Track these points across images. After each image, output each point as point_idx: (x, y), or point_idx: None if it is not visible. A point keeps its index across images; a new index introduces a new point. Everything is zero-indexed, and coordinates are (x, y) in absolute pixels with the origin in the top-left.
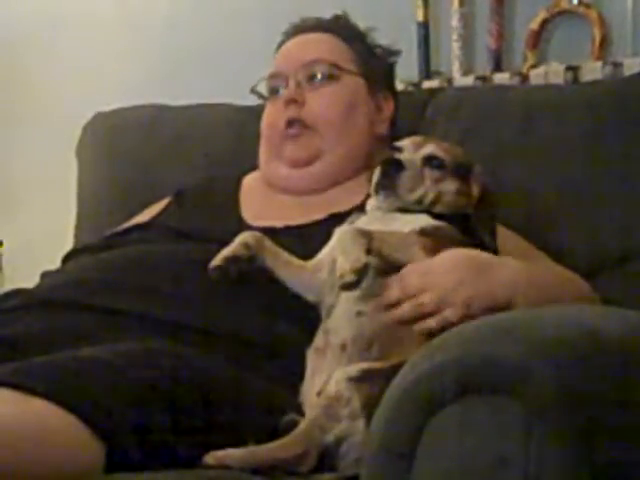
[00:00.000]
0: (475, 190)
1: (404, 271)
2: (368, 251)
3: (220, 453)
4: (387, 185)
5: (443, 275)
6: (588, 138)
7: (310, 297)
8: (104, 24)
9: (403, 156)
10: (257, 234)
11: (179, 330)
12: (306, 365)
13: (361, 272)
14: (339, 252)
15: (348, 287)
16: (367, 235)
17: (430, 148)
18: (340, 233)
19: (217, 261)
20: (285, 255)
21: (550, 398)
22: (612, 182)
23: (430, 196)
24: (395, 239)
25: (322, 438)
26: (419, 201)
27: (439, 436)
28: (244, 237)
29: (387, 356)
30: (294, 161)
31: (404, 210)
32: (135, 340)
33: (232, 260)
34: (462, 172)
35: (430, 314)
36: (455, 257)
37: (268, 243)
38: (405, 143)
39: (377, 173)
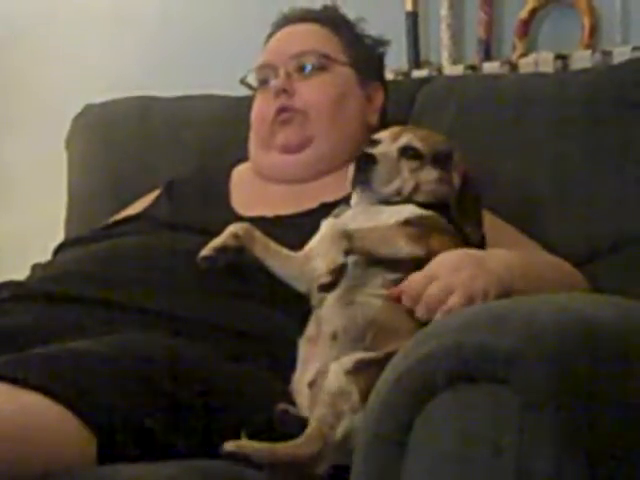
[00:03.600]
0: (456, 178)
1: (412, 286)
2: (348, 251)
3: (242, 442)
4: (362, 180)
5: (454, 274)
6: (580, 126)
7: (300, 287)
8: (95, 16)
9: (378, 149)
10: (246, 225)
11: (172, 322)
12: (297, 354)
13: (337, 273)
14: (319, 254)
15: (325, 288)
16: (347, 235)
17: (406, 138)
18: (321, 235)
19: (206, 251)
20: (274, 246)
21: (544, 386)
22: (605, 170)
23: (408, 187)
24: (377, 234)
25: (332, 436)
26: (397, 192)
27: (432, 424)
28: (233, 228)
29: (380, 345)
30: (285, 146)
31: (388, 202)
32: (128, 332)
33: (221, 250)
34: (441, 160)
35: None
36: (456, 257)
37: (257, 234)
38: (383, 135)
39: (351, 169)
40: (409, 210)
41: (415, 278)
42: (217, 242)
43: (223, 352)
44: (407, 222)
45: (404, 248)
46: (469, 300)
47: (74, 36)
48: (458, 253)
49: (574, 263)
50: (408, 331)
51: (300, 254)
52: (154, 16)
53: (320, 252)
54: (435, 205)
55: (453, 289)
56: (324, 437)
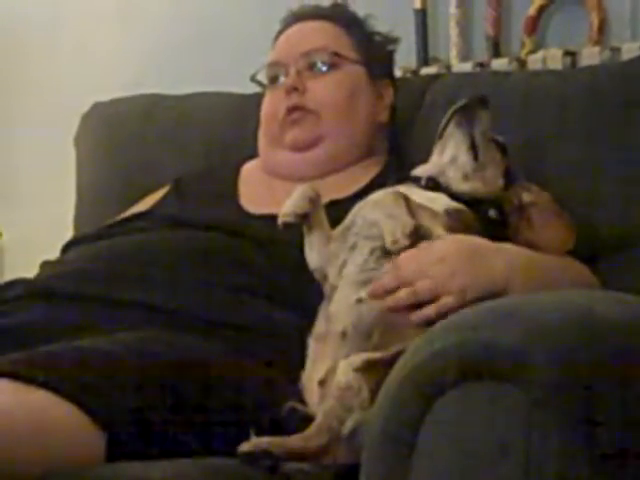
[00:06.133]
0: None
1: (400, 258)
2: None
3: (255, 439)
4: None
5: (438, 262)
6: (588, 123)
7: (315, 264)
8: (103, 14)
9: None
10: (314, 186)
11: (178, 318)
12: (307, 352)
13: (413, 236)
14: (383, 216)
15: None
16: (405, 198)
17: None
18: (377, 196)
19: (288, 217)
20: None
21: (551, 384)
22: (612, 167)
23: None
24: (427, 214)
25: (340, 429)
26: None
27: (440, 422)
28: (305, 191)
29: (387, 344)
30: (295, 144)
31: (428, 187)
32: (135, 329)
33: (302, 216)
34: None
35: (426, 302)
36: (450, 243)
37: (320, 201)
38: None
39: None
40: (446, 201)
41: (403, 255)
42: (295, 207)
43: (225, 348)
44: (447, 213)
45: (440, 235)
46: (438, 292)
47: (82, 34)
48: (456, 240)
49: (580, 260)
50: (415, 329)
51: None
52: (162, 14)
53: (384, 214)
54: (461, 200)
55: (426, 276)
56: (332, 430)
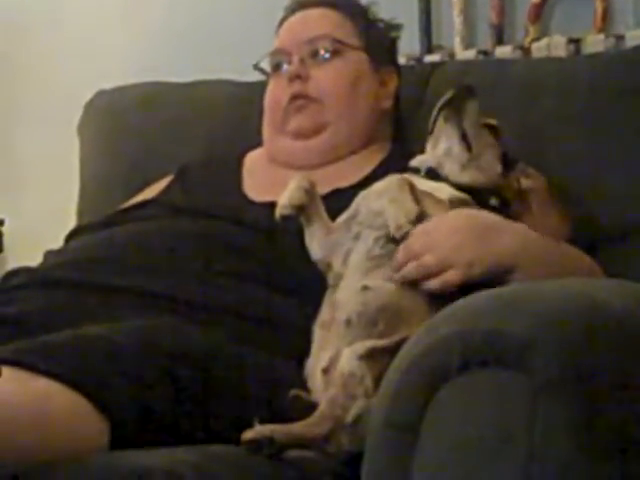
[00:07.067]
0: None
1: (413, 231)
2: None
3: (258, 427)
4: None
5: (447, 236)
6: (591, 111)
7: (317, 255)
8: (107, 3)
9: None
10: (308, 176)
11: (180, 306)
12: (312, 339)
13: (416, 222)
14: (388, 201)
15: (403, 238)
16: (410, 184)
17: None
18: (381, 185)
19: (284, 210)
20: (323, 210)
21: (555, 372)
22: (615, 156)
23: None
24: (431, 201)
25: (344, 417)
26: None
27: (444, 410)
28: (300, 182)
29: (392, 332)
30: (299, 131)
31: (428, 178)
32: (137, 317)
33: (299, 208)
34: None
35: (433, 275)
36: (461, 218)
37: (316, 190)
38: None
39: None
40: (449, 190)
41: (417, 229)
42: (291, 199)
43: (227, 335)
44: (450, 202)
45: None
46: (444, 265)
47: (85, 23)
48: (469, 215)
49: (585, 251)
50: (421, 317)
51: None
52: (165, 1)
53: (389, 199)
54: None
55: (434, 249)
56: (335, 418)
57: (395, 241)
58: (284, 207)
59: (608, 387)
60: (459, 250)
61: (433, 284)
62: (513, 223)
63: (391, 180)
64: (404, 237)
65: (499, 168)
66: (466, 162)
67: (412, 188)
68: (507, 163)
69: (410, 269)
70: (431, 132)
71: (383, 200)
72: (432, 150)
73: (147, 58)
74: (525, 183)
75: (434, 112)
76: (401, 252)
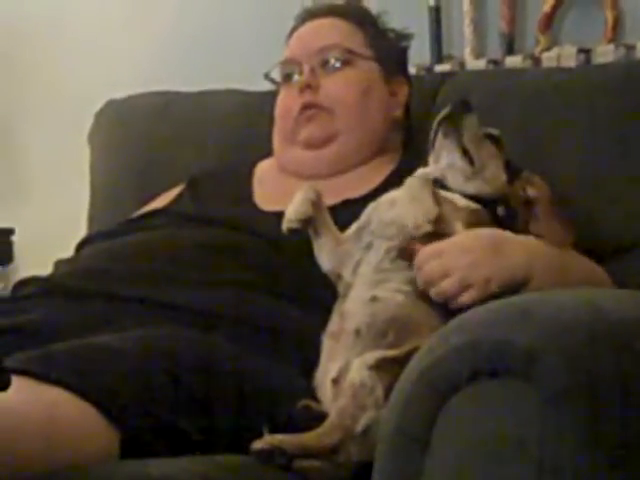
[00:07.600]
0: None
1: (420, 257)
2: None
3: (268, 437)
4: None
5: (460, 256)
6: (600, 121)
7: (327, 266)
8: (116, 10)
9: None
10: (315, 188)
11: (188, 315)
12: (321, 350)
13: (436, 223)
14: (408, 199)
15: (424, 239)
16: (432, 185)
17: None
18: (408, 187)
19: (291, 224)
20: (331, 221)
21: (564, 382)
22: (625, 166)
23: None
24: (449, 207)
25: (354, 427)
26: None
27: (454, 419)
28: (307, 193)
29: (402, 343)
30: (309, 141)
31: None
32: (144, 326)
33: (306, 221)
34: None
35: (453, 298)
36: (469, 237)
37: (323, 202)
38: None
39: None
40: (462, 200)
41: (424, 250)
42: (297, 213)
43: (237, 344)
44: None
45: (458, 231)
46: (463, 286)
47: (95, 31)
48: (477, 234)
49: (595, 261)
50: (430, 327)
51: (343, 235)
52: (174, 10)
53: (409, 198)
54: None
55: (450, 272)
56: (345, 428)
57: (403, 257)
58: (290, 221)
59: (617, 396)
60: (475, 269)
61: (454, 305)
62: (521, 236)
63: (413, 179)
64: (422, 237)
65: (504, 177)
66: (470, 175)
67: (434, 190)
68: (511, 172)
69: (433, 295)
70: (433, 147)
71: (397, 206)
72: (434, 164)
73: (157, 66)
74: (531, 191)
75: (433, 127)
76: (419, 281)
